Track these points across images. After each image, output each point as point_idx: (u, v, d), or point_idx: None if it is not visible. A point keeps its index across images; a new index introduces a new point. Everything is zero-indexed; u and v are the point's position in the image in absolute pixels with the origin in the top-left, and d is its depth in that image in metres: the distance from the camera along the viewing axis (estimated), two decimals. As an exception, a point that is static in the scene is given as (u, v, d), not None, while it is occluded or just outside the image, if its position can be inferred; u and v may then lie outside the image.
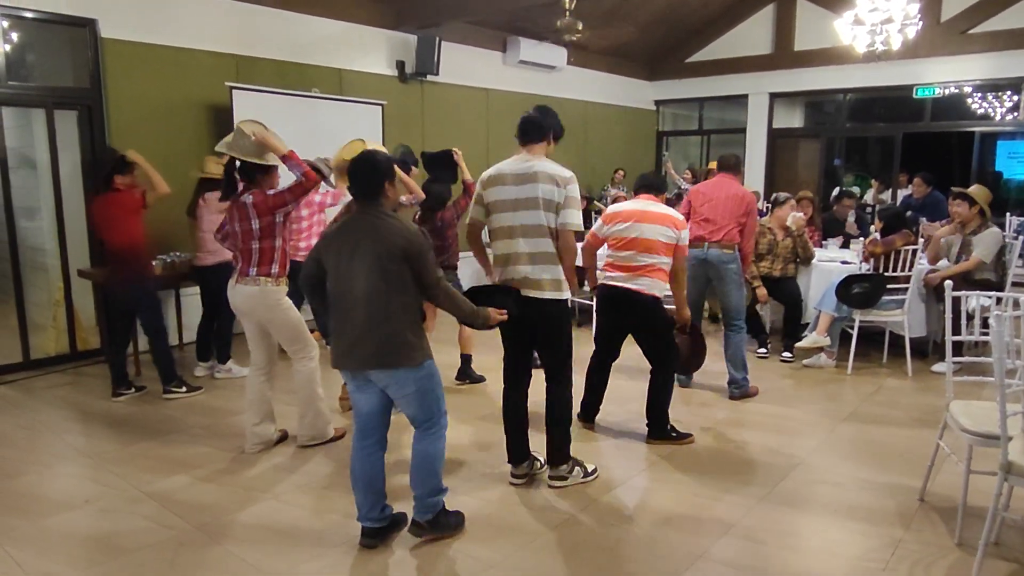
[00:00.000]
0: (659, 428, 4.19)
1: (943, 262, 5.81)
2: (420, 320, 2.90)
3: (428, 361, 2.90)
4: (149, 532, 3.16)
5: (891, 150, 10.71)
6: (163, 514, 3.32)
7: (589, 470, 3.66)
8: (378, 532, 3.02)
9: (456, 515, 3.14)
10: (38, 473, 3.79)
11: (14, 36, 5.48)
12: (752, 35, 11.22)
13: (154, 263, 5.45)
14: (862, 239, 5.77)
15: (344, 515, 3.24)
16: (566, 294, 3.43)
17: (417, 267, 2.81)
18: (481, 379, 5.29)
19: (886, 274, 5.46)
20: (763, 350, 6.02)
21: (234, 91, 6.27)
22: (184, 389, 5.03)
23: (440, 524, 3.05)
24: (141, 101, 6.06)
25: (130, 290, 4.97)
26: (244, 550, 3.00)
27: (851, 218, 7.26)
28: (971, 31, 9.39)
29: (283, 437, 4.21)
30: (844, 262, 6.07)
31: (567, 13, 6.55)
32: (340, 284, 2.84)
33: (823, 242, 6.95)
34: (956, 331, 3.31)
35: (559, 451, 3.58)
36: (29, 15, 5.48)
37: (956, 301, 3.47)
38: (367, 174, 2.86)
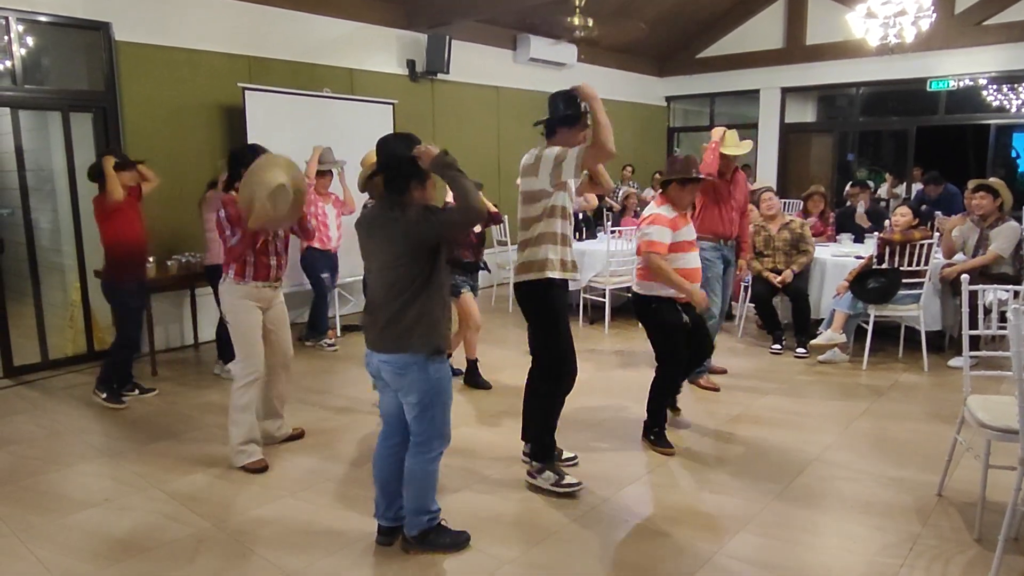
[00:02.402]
0: (646, 427, 4.17)
1: (959, 256, 5.77)
2: (434, 315, 2.79)
3: (436, 362, 2.77)
4: (168, 530, 3.19)
5: (905, 144, 10.63)
6: (182, 512, 3.35)
7: (564, 481, 3.46)
8: (393, 530, 3.03)
9: (456, 535, 3.01)
10: (58, 472, 3.83)
11: (30, 40, 5.54)
12: (763, 29, 11.16)
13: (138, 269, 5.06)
14: (876, 234, 5.74)
15: (361, 512, 3.27)
16: (537, 274, 3.37)
17: (428, 237, 2.73)
18: (487, 386, 5.17)
19: (902, 268, 5.42)
20: (777, 346, 5.99)
21: (246, 92, 6.30)
22: (104, 396, 4.84)
23: (428, 542, 2.96)
24: (155, 103, 6.11)
25: (105, 291, 4.96)
26: (262, 547, 3.03)
27: (860, 209, 7.20)
28: (986, 22, 9.29)
29: (296, 436, 4.22)
30: (858, 257, 6.03)
31: (577, 10, 6.53)
32: (365, 268, 2.96)
33: (837, 236, 6.91)
34: (973, 325, 3.28)
35: (532, 443, 3.59)
36: (44, 19, 5.54)
37: (972, 295, 3.44)
38: (391, 172, 2.83)
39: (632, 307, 4.23)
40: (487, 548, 3.00)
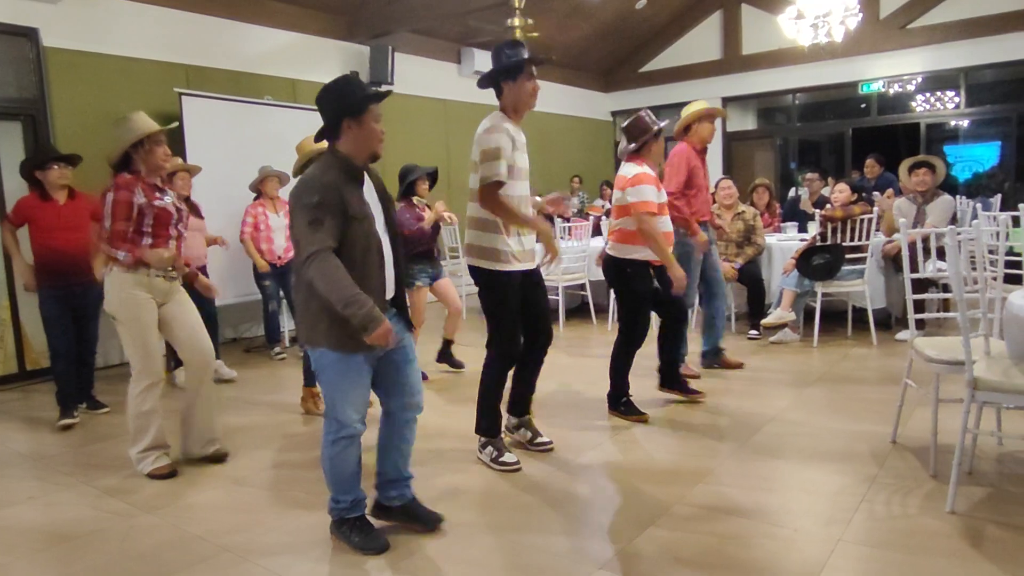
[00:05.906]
0: (612, 399, 4.10)
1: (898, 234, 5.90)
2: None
3: (324, 349, 2.48)
4: (98, 519, 2.99)
5: (842, 147, 10.97)
6: (113, 503, 3.15)
7: (500, 458, 3.34)
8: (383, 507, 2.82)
9: (368, 539, 2.62)
10: (-21, 476, 3.58)
11: (-49, 46, 5.35)
12: (702, 42, 11.48)
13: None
14: (817, 211, 5.87)
15: (307, 492, 3.12)
16: (486, 264, 3.27)
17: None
18: (460, 365, 5.26)
19: (844, 244, 5.51)
20: None
21: (184, 98, 6.17)
22: (57, 417, 4.42)
23: (338, 532, 2.69)
24: (87, 110, 5.93)
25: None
26: (200, 528, 2.85)
27: (806, 195, 7.37)
28: (909, 26, 9.72)
29: (216, 457, 3.61)
30: (803, 240, 6.12)
31: (517, 11, 6.60)
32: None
33: (781, 225, 7.04)
34: (914, 269, 3.31)
35: (477, 420, 3.46)
36: (-33, 24, 5.36)
37: (912, 245, 3.51)
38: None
39: (604, 271, 4.11)
40: (439, 514, 2.87)
